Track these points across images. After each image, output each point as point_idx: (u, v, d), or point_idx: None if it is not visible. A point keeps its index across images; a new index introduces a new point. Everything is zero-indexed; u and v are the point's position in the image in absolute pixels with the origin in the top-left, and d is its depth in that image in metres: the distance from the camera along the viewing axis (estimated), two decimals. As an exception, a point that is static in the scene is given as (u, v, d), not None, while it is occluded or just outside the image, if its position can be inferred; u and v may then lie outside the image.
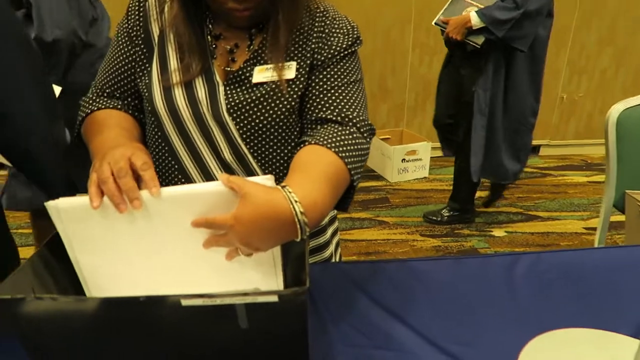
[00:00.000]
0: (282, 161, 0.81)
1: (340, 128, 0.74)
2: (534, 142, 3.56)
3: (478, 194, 2.62)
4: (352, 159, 0.71)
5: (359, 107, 0.77)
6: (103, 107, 0.82)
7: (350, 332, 0.74)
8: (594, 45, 3.33)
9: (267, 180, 0.63)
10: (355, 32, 0.80)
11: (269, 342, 0.61)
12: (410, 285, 0.85)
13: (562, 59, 3.35)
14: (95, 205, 0.60)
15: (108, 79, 0.84)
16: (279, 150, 0.80)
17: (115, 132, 0.75)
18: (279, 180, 0.78)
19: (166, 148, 0.81)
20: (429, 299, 0.82)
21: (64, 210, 0.62)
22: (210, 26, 0.79)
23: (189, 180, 0.82)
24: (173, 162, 0.81)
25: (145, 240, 0.65)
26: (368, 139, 0.76)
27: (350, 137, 0.73)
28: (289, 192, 0.59)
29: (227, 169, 0.80)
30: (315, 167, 0.66)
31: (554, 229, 2.54)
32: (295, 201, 0.58)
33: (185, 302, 0.55)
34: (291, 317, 0.58)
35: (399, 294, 0.82)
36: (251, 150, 0.79)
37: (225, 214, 0.58)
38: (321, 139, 0.71)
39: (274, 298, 0.55)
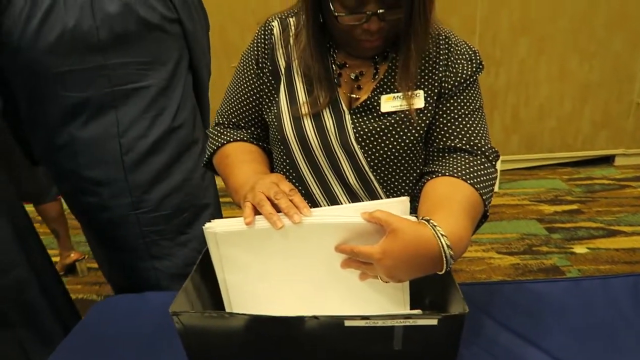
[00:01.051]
0: (407, 187, 0.83)
1: (471, 158, 0.75)
2: (609, 152, 3.43)
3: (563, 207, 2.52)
4: (486, 190, 0.72)
5: (484, 134, 0.78)
6: (232, 140, 0.88)
7: (482, 355, 0.75)
8: (671, 47, 3.16)
9: (402, 202, 0.66)
10: (478, 58, 0.81)
11: (417, 363, 0.62)
12: (534, 308, 0.84)
13: (637, 63, 3.19)
14: (248, 221, 0.65)
15: (234, 108, 0.90)
16: (404, 177, 0.82)
17: (253, 167, 0.81)
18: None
19: (294, 174, 0.85)
20: (558, 321, 0.80)
21: (220, 234, 0.68)
22: (334, 55, 0.83)
23: (314, 204, 0.85)
24: (300, 188, 0.86)
25: (288, 263, 0.69)
26: (495, 166, 0.77)
27: (482, 167, 0.74)
28: (436, 227, 0.61)
29: (351, 193, 0.83)
30: (455, 200, 0.68)
31: (641, 244, 2.40)
32: (443, 236, 0.60)
33: (348, 323, 0.58)
34: (445, 340, 0.60)
35: (524, 316, 0.82)
36: (377, 177, 0.82)
37: (371, 246, 0.61)
38: (456, 171, 0.73)
39: (433, 322, 0.57)
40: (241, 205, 0.71)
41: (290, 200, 0.66)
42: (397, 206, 0.66)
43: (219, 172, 0.88)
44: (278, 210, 0.66)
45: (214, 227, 0.67)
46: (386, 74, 0.80)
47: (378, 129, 0.79)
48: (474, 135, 0.77)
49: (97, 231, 1.29)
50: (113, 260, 1.33)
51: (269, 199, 0.66)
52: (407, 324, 0.57)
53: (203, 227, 0.68)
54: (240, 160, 0.84)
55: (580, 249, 2.37)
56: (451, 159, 0.76)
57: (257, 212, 0.67)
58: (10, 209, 1.13)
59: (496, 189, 3.15)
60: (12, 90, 1.15)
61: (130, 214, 1.20)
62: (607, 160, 3.47)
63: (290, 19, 0.85)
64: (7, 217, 1.09)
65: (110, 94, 1.11)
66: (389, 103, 0.78)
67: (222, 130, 0.91)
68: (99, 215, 1.23)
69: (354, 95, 0.82)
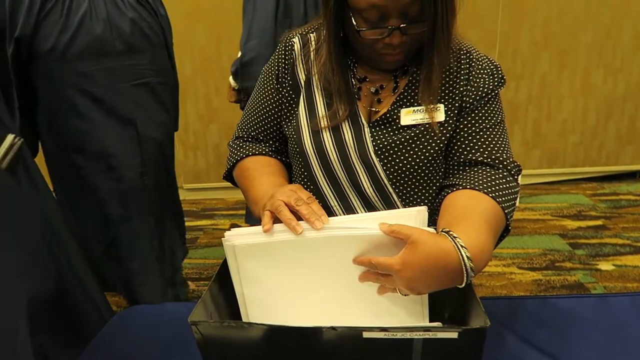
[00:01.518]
0: (426, 201, 0.83)
1: (492, 171, 0.75)
2: (634, 167, 3.34)
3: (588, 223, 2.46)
4: (508, 203, 0.71)
5: (506, 148, 0.78)
6: (251, 153, 0.90)
7: (505, 371, 0.73)
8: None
9: (420, 212, 0.65)
10: (500, 72, 0.81)
11: (437, 378, 0.61)
12: (559, 324, 0.82)
13: (662, 76, 3.13)
14: (267, 229, 0.66)
15: (254, 122, 0.91)
16: (423, 190, 0.82)
17: (272, 180, 0.82)
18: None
19: (312, 187, 0.86)
20: (584, 338, 0.78)
21: (239, 247, 0.68)
22: (354, 69, 0.83)
23: (331, 216, 0.85)
24: (318, 200, 0.85)
25: (306, 276, 0.68)
26: (518, 180, 0.76)
27: (504, 180, 0.73)
28: (457, 239, 0.60)
29: (369, 206, 0.83)
30: (477, 213, 0.67)
31: (670, 262, 2.32)
32: (463, 248, 0.59)
33: (366, 335, 0.58)
34: (466, 355, 0.58)
35: (549, 332, 0.80)
36: (396, 190, 0.81)
37: (390, 257, 0.60)
38: (476, 184, 0.72)
39: (454, 334, 0.56)
40: (261, 215, 0.71)
41: (310, 206, 0.66)
42: (415, 215, 0.66)
43: (239, 184, 0.89)
44: (297, 218, 0.66)
45: (232, 240, 0.68)
46: (406, 87, 0.80)
47: (397, 142, 0.79)
48: (496, 148, 0.77)
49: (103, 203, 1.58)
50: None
51: (288, 206, 0.67)
52: (427, 336, 0.56)
53: (223, 239, 0.69)
54: (260, 173, 0.85)
55: (605, 266, 2.31)
56: (472, 172, 0.76)
57: (276, 220, 0.67)
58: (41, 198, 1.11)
59: (517, 203, 3.10)
60: (31, 90, 1.41)
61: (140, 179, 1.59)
62: (633, 175, 3.38)
63: (311, 35, 0.86)
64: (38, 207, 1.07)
65: (123, 88, 1.46)
66: (409, 116, 0.78)
67: (241, 144, 0.92)
68: (113, 185, 1.56)
69: (374, 109, 0.82)
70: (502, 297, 0.92)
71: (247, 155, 0.90)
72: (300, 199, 0.67)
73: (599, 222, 2.74)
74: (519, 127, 3.22)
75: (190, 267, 2.52)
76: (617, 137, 3.26)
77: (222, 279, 0.73)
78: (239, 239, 0.68)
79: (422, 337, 0.57)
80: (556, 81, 3.13)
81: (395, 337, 0.57)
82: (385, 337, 0.57)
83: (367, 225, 0.65)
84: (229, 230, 0.70)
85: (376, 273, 0.64)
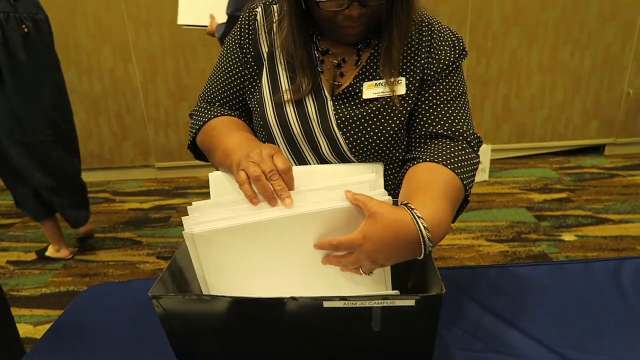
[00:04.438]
0: (389, 174, 0.83)
1: (452, 144, 0.75)
2: (599, 141, 3.45)
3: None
4: (467, 175, 0.72)
5: (467, 120, 0.78)
6: (219, 114, 0.87)
7: (464, 336, 0.76)
8: (662, 38, 3.17)
9: (376, 167, 0.67)
10: (461, 44, 0.81)
11: (397, 344, 0.63)
12: (517, 291, 0.85)
13: (628, 53, 3.21)
14: (257, 201, 0.66)
15: (218, 92, 0.88)
16: (386, 165, 0.82)
17: (243, 134, 0.79)
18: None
19: None
20: (540, 304, 0.81)
21: (198, 236, 0.66)
22: (317, 42, 0.82)
23: None
24: None
25: (268, 256, 0.68)
26: (477, 152, 0.77)
27: (463, 152, 0.74)
28: (414, 210, 0.61)
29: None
30: (435, 185, 0.68)
31: (628, 232, 2.42)
32: (421, 219, 0.60)
33: (327, 304, 0.59)
34: (423, 321, 0.60)
35: (507, 299, 0.83)
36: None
37: (351, 233, 0.60)
38: (436, 157, 0.73)
39: (410, 302, 0.57)
40: (233, 171, 0.70)
41: (283, 178, 0.66)
42: (370, 168, 0.69)
43: (204, 145, 0.86)
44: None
45: (191, 227, 0.65)
46: (368, 60, 0.80)
47: (360, 116, 0.78)
48: (456, 121, 0.77)
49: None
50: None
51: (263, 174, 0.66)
52: (385, 304, 0.58)
53: (183, 221, 0.67)
54: (229, 129, 0.82)
55: (568, 237, 2.40)
56: (432, 145, 0.76)
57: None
58: None
59: (486, 177, 3.17)
60: None
61: None
62: (598, 149, 3.50)
63: (274, 6, 0.84)
64: None
65: None
66: (371, 90, 0.78)
67: (208, 107, 0.89)
68: None
69: (337, 82, 0.81)
70: (465, 266, 0.95)
71: (216, 117, 0.87)
72: (274, 171, 0.65)
73: (563, 195, 2.83)
74: (489, 103, 3.27)
75: (163, 245, 2.50)
76: (583, 111, 3.35)
77: (185, 254, 0.72)
78: (198, 226, 0.66)
79: (380, 305, 0.58)
80: (525, 57, 3.17)
81: (355, 305, 0.58)
82: (345, 305, 0.58)
83: (328, 186, 0.65)
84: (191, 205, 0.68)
85: (337, 256, 0.64)
